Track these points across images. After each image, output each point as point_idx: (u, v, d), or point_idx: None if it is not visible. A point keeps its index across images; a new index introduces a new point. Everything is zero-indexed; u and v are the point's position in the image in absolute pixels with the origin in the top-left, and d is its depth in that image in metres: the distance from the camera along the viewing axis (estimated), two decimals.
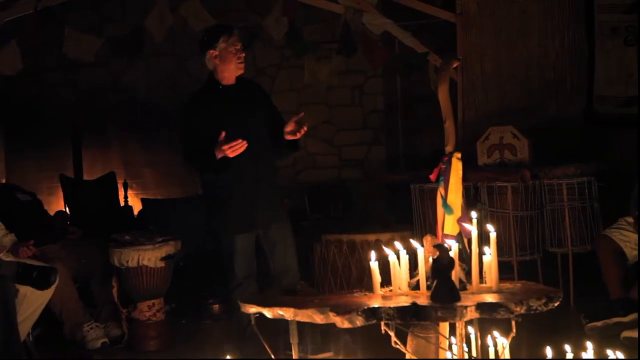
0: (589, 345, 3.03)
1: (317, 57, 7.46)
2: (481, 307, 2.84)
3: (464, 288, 3.08)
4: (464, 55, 6.38)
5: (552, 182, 5.63)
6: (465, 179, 3.52)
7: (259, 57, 8.21)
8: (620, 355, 3.03)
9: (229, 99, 4.56)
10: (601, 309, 4.86)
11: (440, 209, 3.39)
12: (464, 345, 3.10)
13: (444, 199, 3.36)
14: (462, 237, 3.31)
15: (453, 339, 3.18)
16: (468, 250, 3.23)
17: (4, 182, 7.61)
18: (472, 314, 2.84)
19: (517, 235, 5.60)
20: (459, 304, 2.85)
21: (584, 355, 3.00)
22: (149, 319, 5.24)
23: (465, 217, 3.33)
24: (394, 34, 6.76)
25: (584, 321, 4.86)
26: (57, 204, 7.71)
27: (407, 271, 3.15)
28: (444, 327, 3.23)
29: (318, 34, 7.73)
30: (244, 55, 4.57)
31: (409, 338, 3.29)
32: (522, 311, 2.86)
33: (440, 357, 3.24)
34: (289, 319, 3.12)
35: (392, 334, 2.99)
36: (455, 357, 3.13)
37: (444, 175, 3.38)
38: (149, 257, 5.18)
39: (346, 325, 2.87)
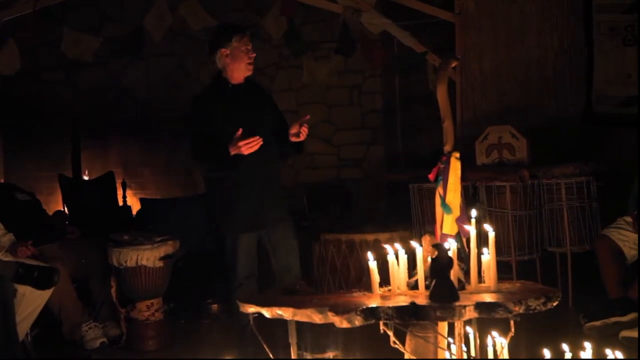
0: (588, 345, 3.03)
1: (315, 57, 7.46)
2: (480, 306, 2.84)
3: (462, 288, 3.08)
4: (463, 55, 6.38)
5: (551, 181, 5.64)
6: (463, 178, 3.52)
7: (258, 56, 8.14)
8: (619, 355, 3.03)
9: (238, 98, 4.56)
10: (600, 308, 4.86)
11: (439, 209, 3.39)
12: (463, 344, 3.10)
13: (443, 199, 3.36)
14: (460, 236, 3.31)
15: (452, 339, 3.18)
16: (467, 250, 3.23)
17: (2, 181, 7.61)
18: (470, 313, 2.84)
19: (515, 235, 5.60)
20: (457, 303, 2.85)
21: (582, 355, 3.00)
22: (148, 319, 5.24)
23: (463, 217, 3.33)
24: (392, 34, 6.76)
25: (582, 321, 4.86)
26: (55, 204, 7.71)
27: (406, 271, 3.15)
28: (443, 326, 3.23)
29: (317, 34, 7.73)
30: (254, 55, 4.58)
31: (408, 338, 3.29)
32: (521, 311, 2.86)
33: (439, 356, 3.24)
34: (288, 318, 3.12)
35: (390, 333, 2.99)
36: (453, 357, 3.13)
37: (443, 175, 3.38)
38: (148, 256, 5.18)
39: (345, 325, 2.87)
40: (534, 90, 6.36)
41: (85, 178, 7.96)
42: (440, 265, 2.92)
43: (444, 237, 3.28)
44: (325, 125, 8.23)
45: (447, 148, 3.41)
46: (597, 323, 4.78)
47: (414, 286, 3.15)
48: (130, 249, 5.18)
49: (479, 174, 5.73)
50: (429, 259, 3.02)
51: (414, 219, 5.96)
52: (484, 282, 3.12)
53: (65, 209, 7.43)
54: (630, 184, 5.04)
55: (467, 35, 6.49)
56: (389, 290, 3.14)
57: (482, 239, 3.14)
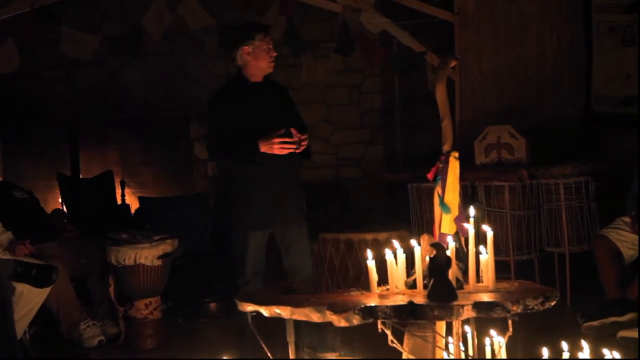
0: (585, 344, 3.03)
1: (315, 56, 7.48)
2: (478, 306, 2.84)
3: (460, 287, 3.08)
4: (462, 55, 6.38)
5: (550, 181, 5.64)
6: (462, 178, 3.52)
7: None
8: (616, 355, 3.03)
9: (258, 96, 4.57)
10: (598, 308, 4.87)
11: (437, 208, 3.39)
12: (461, 344, 3.10)
13: (441, 198, 3.36)
14: (459, 236, 3.31)
15: (450, 338, 3.18)
16: (465, 250, 3.23)
17: (1, 180, 7.61)
18: (468, 313, 2.84)
19: (514, 234, 5.60)
20: (455, 303, 2.85)
21: (580, 354, 3.00)
22: (146, 317, 5.24)
23: (462, 217, 3.33)
24: (392, 33, 6.76)
25: (580, 321, 4.87)
26: (54, 202, 7.71)
27: (404, 270, 3.15)
28: (441, 326, 3.23)
29: (316, 33, 7.74)
30: (275, 54, 4.59)
31: (406, 337, 3.29)
32: (519, 310, 2.86)
33: (437, 356, 3.24)
34: (286, 317, 3.12)
35: (388, 332, 2.99)
36: (451, 356, 3.13)
37: (442, 175, 3.38)
38: (146, 255, 5.18)
39: (343, 323, 2.87)
40: (533, 90, 6.36)
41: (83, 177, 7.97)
42: (438, 264, 2.92)
43: (443, 236, 3.29)
44: (324, 124, 8.23)
45: (446, 147, 3.41)
46: (595, 323, 4.79)
47: (412, 285, 3.15)
48: (129, 248, 5.18)
49: (478, 173, 5.73)
50: (427, 259, 3.01)
51: (413, 219, 5.96)
52: (482, 282, 3.12)
53: (64, 207, 7.43)
54: (628, 184, 5.05)
55: (466, 35, 6.49)
56: (387, 289, 3.14)
57: (480, 239, 3.14)
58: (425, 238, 3.24)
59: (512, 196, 5.61)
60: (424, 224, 5.73)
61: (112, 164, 8.18)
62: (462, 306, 2.83)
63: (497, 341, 3.20)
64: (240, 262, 4.57)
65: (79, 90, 8.23)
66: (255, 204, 4.49)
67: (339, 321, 2.87)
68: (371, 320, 2.90)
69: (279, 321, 3.27)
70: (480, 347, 3.22)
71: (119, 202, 7.74)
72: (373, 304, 2.90)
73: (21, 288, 4.67)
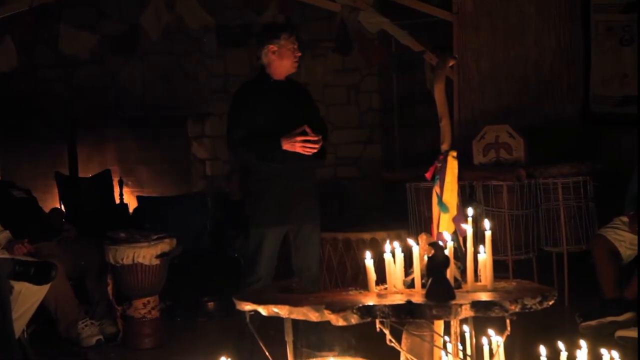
0: (583, 344, 3.04)
1: (313, 55, 7.46)
2: (476, 305, 2.84)
3: (458, 286, 3.08)
4: (460, 54, 6.38)
5: (548, 181, 5.64)
6: (460, 177, 3.52)
7: (255, 55, 8.19)
8: (614, 354, 3.03)
9: (279, 94, 4.61)
10: (596, 308, 4.87)
11: (435, 208, 3.39)
12: (459, 343, 3.10)
13: (440, 198, 3.36)
14: (457, 235, 3.31)
15: (448, 338, 3.18)
16: (463, 249, 3.23)
17: None
18: (466, 312, 2.84)
19: (512, 234, 5.60)
20: (453, 302, 2.85)
21: (578, 354, 3.00)
22: (144, 317, 5.24)
23: (460, 216, 3.33)
24: (390, 33, 6.76)
25: (578, 320, 4.87)
26: (52, 202, 7.70)
27: (402, 269, 3.14)
28: (439, 325, 3.23)
29: (315, 32, 7.73)
30: (300, 54, 4.64)
31: (404, 336, 3.29)
32: (517, 310, 2.86)
33: (435, 355, 3.24)
34: (284, 316, 3.11)
35: (386, 332, 2.98)
36: (449, 356, 3.13)
37: (440, 174, 3.38)
38: (144, 254, 5.18)
39: (341, 322, 2.87)
40: (531, 90, 6.36)
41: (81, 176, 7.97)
42: (436, 263, 2.92)
43: (441, 235, 3.29)
44: None
45: (444, 147, 3.41)
46: (593, 322, 4.79)
47: (410, 285, 3.15)
48: (127, 247, 5.18)
49: (476, 173, 5.74)
50: (426, 258, 3.01)
51: (411, 218, 5.96)
52: (481, 281, 3.12)
53: (62, 206, 7.43)
54: (627, 184, 5.05)
55: (465, 35, 6.49)
56: (385, 288, 3.14)
57: (478, 238, 3.14)
58: (423, 237, 3.24)
59: (511, 196, 5.61)
60: (422, 224, 5.73)
61: (110, 163, 8.18)
62: (460, 305, 2.83)
63: (495, 340, 3.20)
64: (253, 259, 4.59)
65: (77, 89, 8.23)
66: (273, 201, 4.53)
67: (337, 320, 2.87)
68: (369, 319, 2.89)
69: (277, 320, 3.27)
70: (478, 347, 3.22)
71: (117, 201, 7.74)
72: (371, 303, 2.89)
73: (19, 287, 4.66)
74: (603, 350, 3.04)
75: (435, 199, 3.39)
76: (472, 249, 3.06)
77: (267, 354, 3.32)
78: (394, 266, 3.11)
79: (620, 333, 4.58)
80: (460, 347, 3.14)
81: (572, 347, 3.04)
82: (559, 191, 5.61)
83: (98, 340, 5.21)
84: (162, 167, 8.36)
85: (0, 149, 8.13)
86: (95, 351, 5.12)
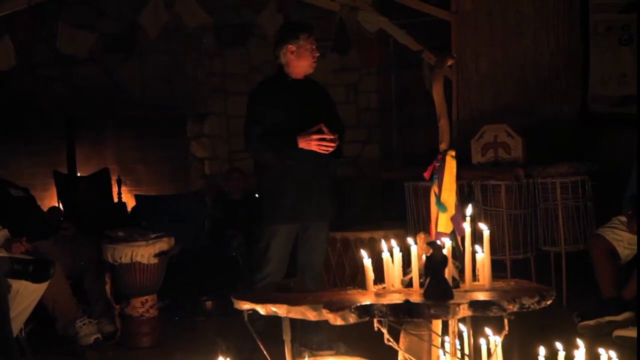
0: (581, 343, 3.04)
1: None
2: (474, 304, 2.84)
3: (457, 286, 3.08)
4: (459, 54, 6.39)
5: (546, 180, 5.65)
6: (459, 177, 3.52)
7: (253, 54, 8.21)
8: (612, 354, 3.03)
9: (297, 92, 4.64)
10: (594, 307, 4.88)
11: (433, 207, 3.39)
12: (457, 343, 3.10)
13: (438, 197, 3.36)
14: (455, 235, 3.31)
15: (446, 337, 3.18)
16: (461, 248, 3.23)
17: None
18: (464, 311, 2.84)
19: (510, 233, 5.61)
20: (451, 301, 2.85)
21: (576, 353, 3.00)
22: (142, 315, 5.24)
23: (458, 215, 3.33)
24: (389, 32, 6.76)
25: (576, 320, 4.88)
26: (50, 200, 7.70)
27: (400, 269, 3.14)
28: (437, 324, 3.23)
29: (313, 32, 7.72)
30: (318, 55, 4.66)
31: (402, 335, 3.29)
32: (515, 309, 2.86)
33: (433, 354, 3.24)
34: (282, 315, 3.11)
35: (384, 331, 2.98)
36: (447, 355, 3.13)
37: (438, 173, 3.38)
38: (142, 253, 5.17)
39: (339, 322, 2.87)
40: (529, 90, 6.37)
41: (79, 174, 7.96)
42: (434, 263, 2.92)
43: (439, 235, 3.29)
44: None
45: (442, 146, 3.41)
46: (591, 322, 4.80)
47: (408, 284, 3.15)
48: (125, 246, 5.18)
49: (475, 172, 5.74)
50: (424, 257, 3.01)
51: (409, 217, 5.97)
52: (479, 281, 3.12)
53: (60, 205, 7.42)
54: (625, 184, 5.06)
55: (463, 34, 6.49)
56: (384, 287, 3.14)
57: (476, 238, 3.15)
58: (421, 237, 3.24)
59: (509, 195, 5.61)
60: (421, 223, 5.74)
61: (108, 161, 8.18)
62: (458, 305, 2.83)
63: (493, 340, 3.20)
64: (263, 256, 4.61)
65: (76, 88, 8.22)
66: (286, 199, 4.56)
67: (335, 319, 2.87)
68: (367, 318, 2.89)
69: (276, 319, 3.27)
70: (476, 346, 3.22)
71: (116, 200, 7.73)
72: (369, 303, 2.89)
73: (17, 286, 4.66)
74: (601, 350, 3.04)
75: (433, 199, 3.39)
76: (471, 248, 3.06)
77: (265, 353, 3.32)
78: (392, 265, 3.11)
79: (618, 333, 4.59)
80: (458, 347, 3.14)
81: (570, 347, 3.04)
82: (557, 191, 5.61)
83: (96, 339, 5.21)
84: (160, 166, 8.36)
85: None
86: (93, 350, 5.12)
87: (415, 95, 7.43)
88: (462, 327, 3.17)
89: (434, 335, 3.23)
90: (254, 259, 4.74)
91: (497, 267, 5.10)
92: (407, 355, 3.22)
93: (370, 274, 3.14)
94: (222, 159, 8.24)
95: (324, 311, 2.90)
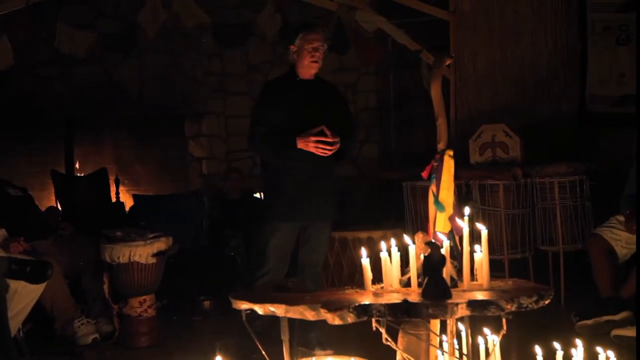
0: (579, 343, 3.04)
1: None
2: (472, 304, 2.84)
3: (455, 285, 3.08)
4: (457, 54, 6.39)
5: (544, 180, 5.65)
6: (457, 176, 3.52)
7: (252, 53, 8.21)
8: (610, 353, 3.04)
9: (302, 92, 4.65)
10: (592, 307, 4.88)
11: (432, 207, 3.40)
12: (455, 342, 3.10)
13: (436, 197, 3.36)
14: (453, 234, 3.31)
15: (444, 336, 3.18)
16: (459, 248, 3.23)
17: None
18: (463, 311, 2.84)
19: (508, 233, 5.62)
20: (450, 301, 2.85)
21: (574, 353, 3.00)
22: (140, 315, 5.23)
23: (456, 215, 3.33)
24: (387, 32, 6.76)
25: (574, 319, 4.88)
26: (48, 200, 7.70)
27: (399, 268, 3.15)
28: (435, 324, 3.23)
29: None
30: (319, 53, 4.64)
31: (400, 335, 3.29)
32: (513, 309, 2.86)
33: (431, 354, 3.24)
34: (280, 315, 3.11)
35: (383, 330, 2.99)
36: (445, 355, 3.13)
37: (436, 173, 3.38)
38: (140, 253, 5.17)
39: (337, 321, 2.87)
40: (527, 89, 6.37)
41: (78, 174, 7.95)
42: (433, 262, 2.92)
43: (437, 235, 3.29)
44: None
45: (440, 146, 3.41)
46: (589, 321, 4.80)
47: (406, 284, 3.15)
48: (123, 246, 5.18)
49: (473, 172, 5.75)
50: (422, 257, 3.02)
51: (407, 217, 5.97)
52: (477, 280, 3.13)
53: (58, 205, 7.41)
54: (623, 183, 5.06)
55: (461, 34, 6.50)
56: (382, 287, 3.14)
57: (474, 237, 3.15)
58: (419, 236, 3.24)
59: (507, 195, 5.62)
60: (419, 222, 5.74)
61: (106, 161, 8.17)
62: (457, 304, 2.83)
63: (491, 339, 3.21)
64: (262, 252, 4.63)
65: (74, 87, 8.22)
66: (285, 197, 4.58)
67: (333, 319, 2.87)
68: (365, 318, 2.89)
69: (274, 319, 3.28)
70: (475, 346, 3.22)
71: (114, 199, 7.73)
72: (367, 302, 2.89)
73: (15, 285, 4.66)
74: (599, 349, 3.04)
75: (431, 198, 3.39)
76: (468, 248, 3.06)
77: (263, 353, 3.32)
78: (391, 265, 3.11)
79: (616, 332, 4.59)
80: (457, 346, 3.15)
81: (568, 346, 3.04)
82: (555, 190, 5.61)
83: (94, 339, 5.20)
84: (158, 166, 8.36)
85: None
86: (91, 350, 5.11)
87: (414, 95, 7.44)
88: (461, 326, 3.18)
89: (432, 335, 3.23)
90: (254, 257, 4.76)
91: (495, 267, 5.11)
92: (405, 355, 3.22)
93: (368, 274, 3.14)
94: (220, 159, 8.24)
95: (322, 311, 2.90)
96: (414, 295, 2.98)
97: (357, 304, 2.88)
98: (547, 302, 2.95)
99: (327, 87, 4.84)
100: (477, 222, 3.27)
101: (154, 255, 5.23)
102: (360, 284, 3.23)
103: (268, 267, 4.60)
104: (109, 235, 5.31)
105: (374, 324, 3.00)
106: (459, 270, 3.16)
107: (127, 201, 7.80)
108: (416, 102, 7.37)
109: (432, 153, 3.44)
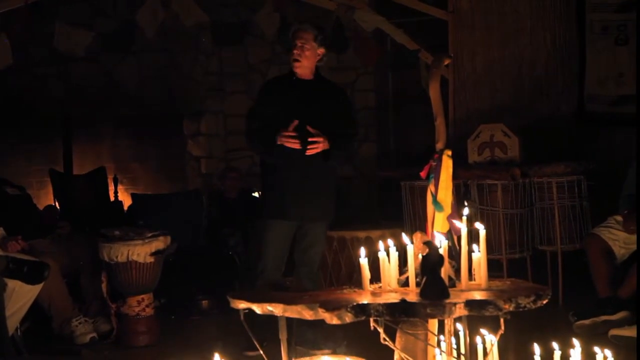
0: (577, 343, 3.04)
1: None
2: (470, 304, 2.85)
3: (453, 285, 3.09)
4: (456, 53, 6.38)
5: (542, 180, 5.65)
6: (455, 176, 3.52)
7: (251, 52, 8.21)
8: (607, 353, 3.04)
9: (299, 91, 4.69)
10: (589, 307, 4.88)
11: (430, 206, 3.40)
12: (453, 342, 3.10)
13: (434, 196, 3.36)
14: (451, 234, 3.32)
15: (442, 336, 3.18)
16: (457, 248, 3.23)
17: None
18: (461, 311, 2.84)
19: (506, 233, 5.61)
20: (448, 301, 2.85)
21: (571, 353, 3.01)
22: (138, 314, 5.23)
23: (455, 215, 3.33)
24: (385, 31, 6.76)
25: (572, 319, 4.88)
26: (46, 199, 7.69)
27: (397, 268, 3.15)
28: (433, 324, 3.23)
29: None
30: (297, 51, 4.66)
31: (398, 334, 3.29)
32: (511, 309, 2.86)
33: (429, 354, 3.24)
34: (278, 314, 3.12)
35: (381, 330, 2.99)
36: (443, 354, 3.13)
37: (435, 173, 3.38)
38: (139, 252, 5.17)
39: (335, 321, 2.87)
40: (526, 89, 6.37)
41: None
42: (431, 262, 2.92)
43: (435, 234, 3.29)
44: None
45: (439, 146, 3.41)
46: (587, 321, 4.80)
47: (404, 283, 3.15)
48: (121, 245, 5.17)
49: (471, 172, 5.74)
50: (420, 256, 3.02)
51: (406, 217, 5.97)
52: (475, 280, 3.13)
53: (57, 204, 7.41)
54: (621, 183, 5.06)
55: (460, 34, 6.50)
56: (380, 287, 3.14)
57: (473, 237, 3.15)
58: (418, 236, 3.24)
59: (505, 194, 5.62)
60: (417, 222, 5.74)
61: (105, 160, 8.17)
62: (455, 304, 2.83)
63: (489, 339, 3.21)
64: (257, 250, 4.67)
65: (72, 86, 8.21)
66: (278, 194, 4.62)
67: (331, 319, 2.87)
68: (363, 318, 2.90)
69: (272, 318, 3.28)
70: (472, 346, 3.22)
71: (112, 198, 7.73)
72: (365, 302, 2.89)
73: (13, 284, 4.65)
74: (597, 349, 3.05)
75: (429, 198, 3.39)
76: (467, 247, 3.06)
77: (261, 352, 3.32)
78: (389, 265, 3.11)
79: (614, 332, 4.59)
80: (454, 346, 3.15)
81: (566, 346, 3.04)
82: (553, 190, 5.61)
83: (92, 338, 5.20)
84: (157, 165, 8.36)
85: None
86: (89, 349, 5.10)
87: (412, 94, 7.43)
88: (458, 326, 3.18)
89: (430, 335, 3.23)
90: (252, 256, 4.79)
91: (494, 267, 5.10)
92: (403, 355, 3.23)
93: (366, 273, 3.14)
94: (219, 158, 8.24)
95: (320, 310, 2.90)
96: (412, 295, 2.98)
97: (355, 304, 2.88)
98: (545, 302, 2.95)
99: (328, 87, 4.84)
100: (475, 221, 3.26)
101: (152, 254, 5.22)
102: (358, 283, 3.23)
103: (262, 265, 4.62)
104: (107, 234, 5.31)
105: (371, 324, 3.00)
106: (457, 270, 3.16)
107: (126, 200, 7.80)
108: (415, 101, 7.36)
109: (431, 152, 3.44)
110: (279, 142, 4.50)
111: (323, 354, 4.31)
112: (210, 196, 7.39)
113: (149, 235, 5.30)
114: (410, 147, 7.63)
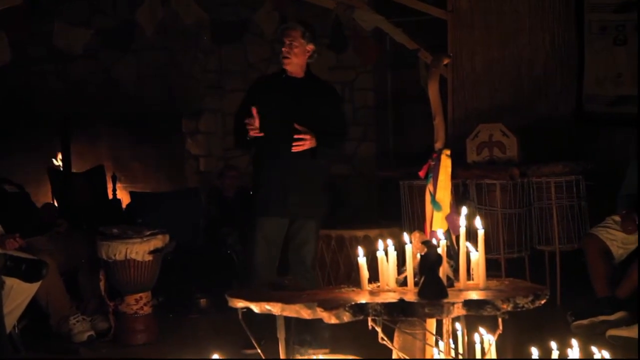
0: (575, 343, 3.04)
1: None
2: (468, 304, 2.85)
3: (451, 285, 3.09)
4: (455, 53, 6.38)
5: (541, 180, 5.65)
6: (454, 176, 3.52)
7: (250, 51, 8.20)
8: (605, 353, 3.04)
9: (286, 88, 4.71)
10: (587, 307, 4.89)
11: (429, 206, 3.40)
12: (451, 341, 3.10)
13: (433, 196, 3.36)
14: (450, 234, 3.32)
15: (439, 336, 3.18)
16: (456, 247, 3.23)
17: None
18: (459, 310, 2.84)
19: (505, 232, 5.61)
20: (446, 300, 2.86)
21: (569, 353, 3.01)
22: (136, 313, 5.23)
23: (453, 214, 3.33)
24: (385, 31, 6.76)
25: (570, 319, 4.89)
26: (45, 197, 7.68)
27: (395, 267, 3.15)
28: (431, 323, 3.24)
29: None
30: (286, 49, 4.67)
31: (396, 334, 3.29)
32: (509, 308, 2.86)
33: (427, 353, 3.25)
34: (277, 314, 3.12)
35: (379, 329, 2.99)
36: (441, 354, 3.14)
37: (433, 172, 3.39)
38: (137, 250, 5.16)
39: (333, 320, 2.87)
40: (525, 89, 6.37)
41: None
42: (429, 262, 2.92)
43: (434, 234, 3.29)
44: None
45: (437, 145, 3.42)
46: (585, 321, 4.81)
47: (403, 283, 3.15)
48: (120, 243, 5.17)
49: (470, 171, 5.74)
50: (418, 256, 3.02)
51: (404, 216, 5.97)
52: (473, 280, 3.13)
53: (55, 201, 7.40)
54: (619, 183, 5.07)
55: (459, 33, 6.49)
56: (378, 286, 3.14)
57: (471, 237, 3.15)
58: (416, 235, 3.25)
59: (504, 194, 5.62)
60: (416, 222, 5.74)
61: (103, 158, 8.16)
62: (453, 304, 2.83)
63: (487, 339, 3.21)
64: (250, 247, 4.71)
65: (71, 84, 8.20)
66: (262, 190, 4.66)
67: (330, 318, 2.87)
68: (362, 317, 2.90)
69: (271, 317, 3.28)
70: (470, 345, 3.22)
71: (110, 197, 7.72)
72: (364, 301, 2.90)
73: (11, 282, 4.65)
74: (594, 349, 3.05)
75: (428, 197, 3.40)
76: (465, 247, 3.06)
77: (259, 351, 3.32)
78: (387, 264, 3.12)
79: (611, 332, 4.60)
80: (452, 346, 3.15)
81: (563, 346, 3.04)
82: (551, 190, 5.62)
83: (89, 336, 5.19)
84: (155, 163, 8.35)
85: None
86: (86, 347, 5.10)
87: (411, 94, 7.42)
88: (457, 326, 3.18)
89: (428, 334, 3.24)
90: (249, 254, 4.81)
91: (492, 266, 5.10)
92: (401, 354, 3.23)
93: (364, 273, 3.14)
94: (217, 156, 8.23)
95: (318, 310, 2.90)
96: (410, 294, 2.98)
97: (353, 303, 2.88)
98: (543, 302, 2.95)
99: (318, 86, 4.84)
100: (474, 221, 3.26)
101: (150, 252, 5.22)
102: (356, 282, 3.24)
103: (254, 262, 4.65)
104: (105, 232, 5.30)
105: (370, 323, 3.00)
106: (455, 270, 3.17)
107: (124, 198, 7.79)
108: (414, 101, 7.36)
109: (430, 152, 3.44)
110: (250, 135, 4.55)
111: (316, 354, 4.32)
112: (209, 195, 7.38)
113: (148, 233, 5.30)
114: (409, 147, 7.63)
